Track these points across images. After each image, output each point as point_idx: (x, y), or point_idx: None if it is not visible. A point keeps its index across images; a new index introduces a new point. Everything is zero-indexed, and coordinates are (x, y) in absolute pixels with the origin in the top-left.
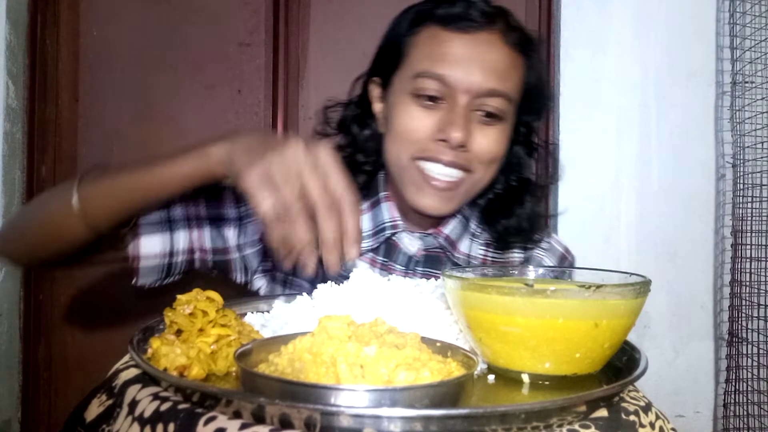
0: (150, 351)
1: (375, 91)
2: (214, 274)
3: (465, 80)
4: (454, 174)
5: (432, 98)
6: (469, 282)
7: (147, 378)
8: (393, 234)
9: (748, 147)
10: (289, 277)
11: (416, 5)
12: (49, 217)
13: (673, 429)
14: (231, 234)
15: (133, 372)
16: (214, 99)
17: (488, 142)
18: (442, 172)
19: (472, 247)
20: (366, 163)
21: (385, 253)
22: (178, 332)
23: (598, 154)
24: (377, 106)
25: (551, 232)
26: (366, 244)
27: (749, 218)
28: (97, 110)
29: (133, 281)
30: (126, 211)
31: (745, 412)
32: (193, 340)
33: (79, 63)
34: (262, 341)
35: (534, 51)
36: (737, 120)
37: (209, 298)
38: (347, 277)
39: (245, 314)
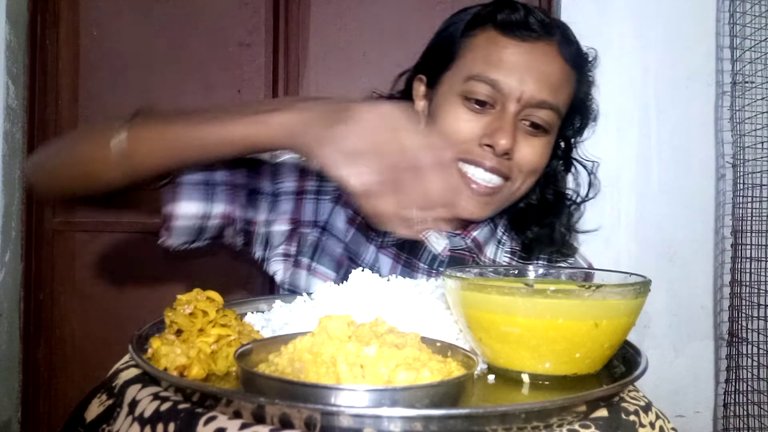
0: (150, 351)
1: (420, 88)
2: (237, 246)
3: (518, 89)
4: (493, 180)
5: (481, 102)
6: (469, 282)
7: (147, 378)
8: None
9: (748, 147)
10: (313, 264)
11: (473, 8)
12: (89, 153)
13: (673, 429)
14: (263, 207)
15: (133, 372)
16: (214, 99)
17: (532, 152)
18: (482, 177)
19: (498, 253)
20: None
21: (410, 249)
22: (178, 332)
23: (598, 154)
24: (420, 104)
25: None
26: (391, 238)
27: (749, 218)
28: (97, 110)
29: (161, 240)
30: (172, 162)
31: (745, 412)
32: (193, 340)
33: (79, 63)
34: (262, 341)
35: (587, 68)
36: (737, 120)
37: (209, 298)
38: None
39: (245, 314)
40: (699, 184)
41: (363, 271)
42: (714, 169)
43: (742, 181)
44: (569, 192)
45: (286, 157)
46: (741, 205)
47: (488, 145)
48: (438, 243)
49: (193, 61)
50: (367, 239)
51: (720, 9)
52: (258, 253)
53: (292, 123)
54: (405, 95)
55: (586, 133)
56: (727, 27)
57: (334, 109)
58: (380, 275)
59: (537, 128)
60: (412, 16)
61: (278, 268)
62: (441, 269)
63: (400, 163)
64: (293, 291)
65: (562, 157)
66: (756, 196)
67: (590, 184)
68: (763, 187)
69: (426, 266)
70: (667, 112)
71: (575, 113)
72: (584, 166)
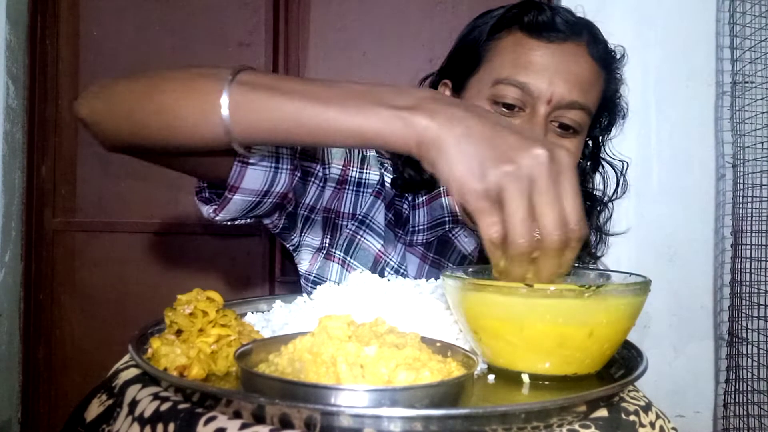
0: (150, 351)
1: (445, 93)
2: (278, 228)
3: (547, 90)
4: None
5: (510, 106)
6: (468, 282)
7: (147, 378)
8: (451, 229)
9: (748, 147)
10: (348, 259)
11: (496, 10)
12: (188, 107)
13: (673, 429)
14: (311, 191)
15: (133, 372)
16: None
17: None
18: None
19: None
20: None
21: (438, 249)
22: (178, 332)
23: None
24: None
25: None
26: (419, 237)
27: (749, 218)
28: None
29: (210, 213)
30: (276, 141)
31: (745, 412)
32: (193, 340)
33: (79, 63)
34: (262, 341)
35: (615, 66)
36: (737, 120)
37: (209, 298)
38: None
39: (245, 314)
40: (699, 184)
41: (390, 269)
42: (714, 169)
43: (742, 181)
44: (597, 192)
45: None
46: (741, 205)
47: None
48: (468, 243)
49: (193, 61)
50: (395, 237)
51: (720, 9)
52: (295, 238)
53: (434, 131)
54: None
55: (614, 131)
56: (727, 27)
57: (502, 134)
58: (407, 274)
59: (567, 129)
60: (412, 16)
61: (306, 258)
62: (470, 270)
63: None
64: (318, 283)
65: (590, 157)
66: (756, 196)
67: (618, 184)
68: (763, 187)
69: (455, 266)
70: (667, 112)
71: (604, 112)
72: (613, 166)
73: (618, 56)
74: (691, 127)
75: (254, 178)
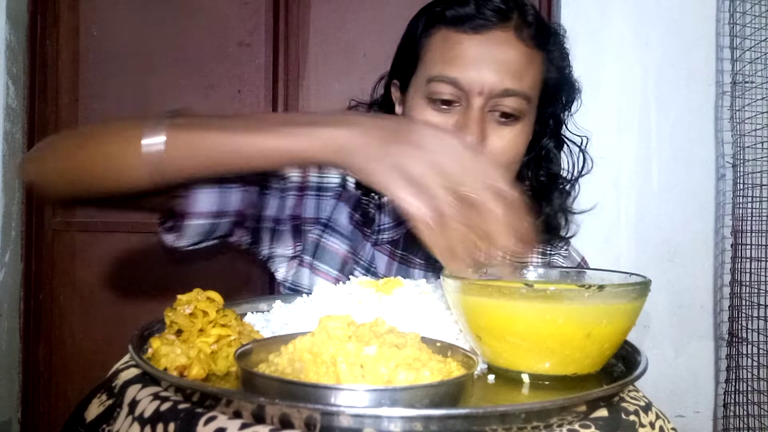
0: (150, 351)
1: (396, 93)
2: (244, 245)
3: (478, 82)
4: None
5: (447, 102)
6: (468, 282)
7: (147, 378)
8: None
9: (748, 147)
10: (315, 262)
11: (428, 6)
12: (115, 153)
13: (673, 429)
14: (271, 204)
15: (133, 372)
16: (214, 99)
17: (504, 143)
18: None
19: None
20: None
21: (405, 245)
22: (179, 332)
23: (599, 153)
24: (398, 109)
25: (570, 240)
26: (386, 235)
27: (749, 218)
28: (97, 110)
29: (170, 241)
30: (207, 171)
31: (745, 412)
32: (194, 340)
33: (79, 63)
34: (262, 341)
35: (553, 44)
36: (737, 120)
37: (209, 299)
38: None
39: (245, 314)
40: (699, 184)
41: (360, 269)
42: (714, 169)
43: (742, 181)
44: (564, 172)
45: None
46: (741, 205)
47: None
48: None
49: (193, 61)
50: (363, 236)
51: (720, 9)
52: (265, 250)
53: (344, 139)
54: (385, 101)
55: (574, 108)
56: (727, 27)
57: (392, 129)
58: (377, 273)
59: (508, 117)
60: (412, 16)
61: (281, 266)
62: (438, 263)
63: (459, 195)
64: (294, 290)
65: (551, 135)
66: (756, 196)
67: (584, 160)
68: (763, 187)
69: (423, 261)
70: (667, 112)
71: (555, 90)
72: (574, 143)
73: (553, 32)
74: (691, 127)
75: (205, 201)
